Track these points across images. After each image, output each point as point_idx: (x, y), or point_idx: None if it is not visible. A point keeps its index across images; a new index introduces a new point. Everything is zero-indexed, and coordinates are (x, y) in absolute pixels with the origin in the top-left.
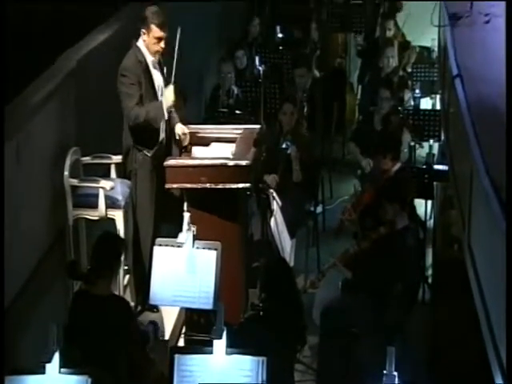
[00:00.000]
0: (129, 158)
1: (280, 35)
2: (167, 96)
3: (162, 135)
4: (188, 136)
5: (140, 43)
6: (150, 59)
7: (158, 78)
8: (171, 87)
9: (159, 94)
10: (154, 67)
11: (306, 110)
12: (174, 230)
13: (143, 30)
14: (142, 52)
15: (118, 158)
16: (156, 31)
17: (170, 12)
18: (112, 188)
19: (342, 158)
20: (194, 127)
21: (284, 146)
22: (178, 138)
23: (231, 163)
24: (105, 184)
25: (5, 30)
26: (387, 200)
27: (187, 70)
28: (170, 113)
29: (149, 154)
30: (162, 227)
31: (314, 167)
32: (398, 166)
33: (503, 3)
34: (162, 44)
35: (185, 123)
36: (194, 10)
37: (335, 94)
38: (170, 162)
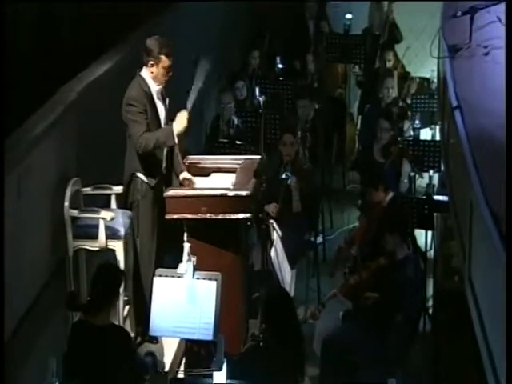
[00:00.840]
0: (131, 188)
1: (280, 66)
2: (180, 121)
3: (164, 164)
4: (192, 182)
5: (144, 73)
6: (154, 89)
7: (161, 109)
8: (185, 112)
9: (163, 124)
10: (158, 98)
11: (307, 140)
12: (174, 261)
13: (151, 62)
14: (146, 82)
15: (118, 189)
16: (165, 61)
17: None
18: (112, 219)
19: (343, 189)
20: (195, 157)
21: (284, 176)
22: (181, 182)
23: (231, 193)
24: (105, 215)
25: (5, 62)
26: (387, 230)
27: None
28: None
29: (151, 184)
30: (162, 258)
31: (314, 197)
32: (390, 195)
33: (502, 36)
34: (170, 73)
35: (185, 154)
36: (193, 41)
37: (335, 124)
38: (171, 192)
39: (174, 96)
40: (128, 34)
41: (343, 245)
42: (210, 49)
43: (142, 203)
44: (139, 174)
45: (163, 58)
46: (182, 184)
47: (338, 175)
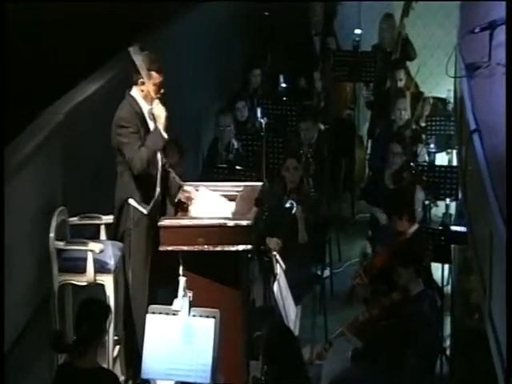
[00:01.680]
0: (122, 216)
1: (283, 85)
2: (158, 113)
3: (158, 189)
4: (192, 200)
5: (134, 92)
6: (146, 109)
7: (153, 126)
8: (158, 105)
9: None
10: (150, 118)
11: (311, 165)
12: (169, 296)
13: (141, 79)
14: (137, 102)
15: (108, 218)
16: (156, 77)
17: (164, 61)
18: (102, 251)
19: (351, 218)
20: (191, 184)
21: (288, 204)
22: (180, 200)
23: (231, 223)
24: (94, 246)
25: None
26: (401, 264)
27: (184, 123)
28: (164, 167)
29: (145, 211)
30: (155, 293)
31: (321, 228)
32: (414, 227)
33: None
34: (162, 90)
35: (181, 180)
36: (190, 60)
37: (343, 148)
38: (165, 221)
39: (172, 116)
40: (120, 50)
41: (359, 271)
42: (208, 65)
43: (134, 232)
44: (131, 201)
45: (154, 74)
46: (180, 202)
47: (346, 203)
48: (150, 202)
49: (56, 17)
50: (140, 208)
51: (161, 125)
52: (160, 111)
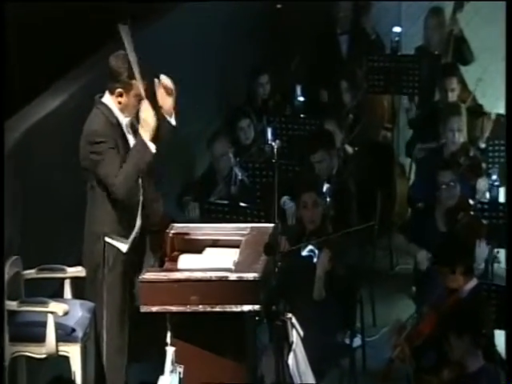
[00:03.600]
0: (94, 260)
1: (300, 98)
2: (146, 119)
3: (139, 222)
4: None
5: (108, 100)
6: (123, 121)
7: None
8: (146, 103)
9: None
10: (128, 132)
11: (336, 200)
12: (153, 371)
13: (119, 90)
14: (112, 112)
15: (75, 271)
16: (138, 88)
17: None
18: (66, 313)
19: (390, 270)
20: (182, 226)
21: (307, 252)
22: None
23: (233, 277)
24: (56, 308)
25: None
26: (455, 332)
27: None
28: (144, 198)
29: (123, 250)
30: (136, 367)
31: (350, 282)
32: (472, 283)
33: None
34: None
35: (165, 221)
36: (177, 66)
37: (379, 179)
38: (148, 275)
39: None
40: (95, 51)
41: (400, 340)
42: (201, 72)
43: (108, 281)
44: (107, 238)
45: (135, 82)
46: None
47: (382, 251)
48: (129, 235)
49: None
50: (118, 245)
51: (147, 133)
52: (148, 115)
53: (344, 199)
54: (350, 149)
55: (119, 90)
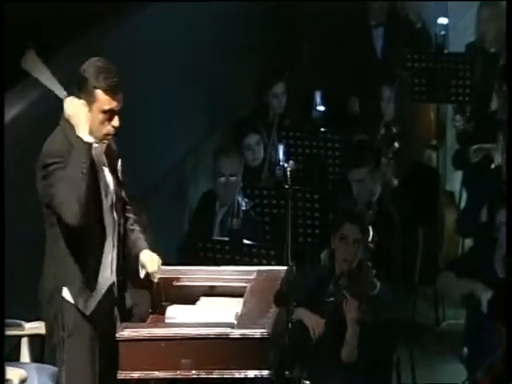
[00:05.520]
0: (49, 321)
1: (320, 108)
2: (72, 114)
3: (112, 271)
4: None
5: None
6: (92, 145)
7: (108, 177)
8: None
9: (106, 197)
10: (99, 159)
11: (371, 236)
12: None
13: (82, 100)
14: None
15: (34, 326)
16: (105, 101)
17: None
18: (24, 380)
19: (436, 326)
20: (171, 270)
21: (333, 298)
22: (143, 274)
23: (235, 334)
24: (12, 374)
25: None
26: None
27: (158, 170)
28: (124, 229)
29: (87, 312)
30: None
31: (386, 340)
32: None
33: None
34: (116, 122)
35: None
36: (169, 72)
37: (421, 210)
38: (127, 332)
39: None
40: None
41: None
42: (199, 80)
43: (69, 344)
44: (65, 292)
45: (100, 94)
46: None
47: (426, 302)
48: (93, 290)
49: None
50: (74, 303)
51: (78, 126)
52: (75, 106)
53: (385, 236)
54: (394, 180)
55: (82, 99)
